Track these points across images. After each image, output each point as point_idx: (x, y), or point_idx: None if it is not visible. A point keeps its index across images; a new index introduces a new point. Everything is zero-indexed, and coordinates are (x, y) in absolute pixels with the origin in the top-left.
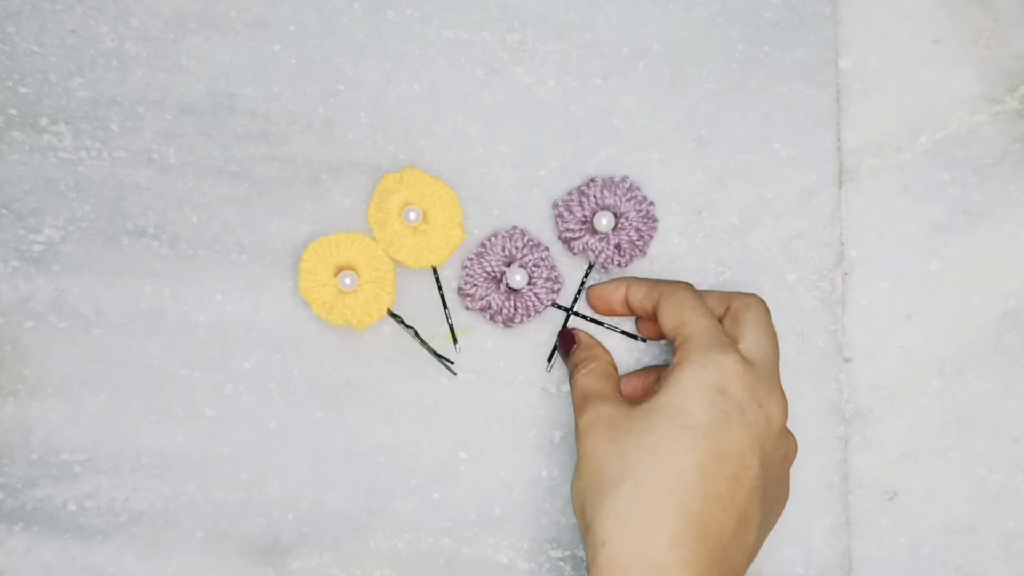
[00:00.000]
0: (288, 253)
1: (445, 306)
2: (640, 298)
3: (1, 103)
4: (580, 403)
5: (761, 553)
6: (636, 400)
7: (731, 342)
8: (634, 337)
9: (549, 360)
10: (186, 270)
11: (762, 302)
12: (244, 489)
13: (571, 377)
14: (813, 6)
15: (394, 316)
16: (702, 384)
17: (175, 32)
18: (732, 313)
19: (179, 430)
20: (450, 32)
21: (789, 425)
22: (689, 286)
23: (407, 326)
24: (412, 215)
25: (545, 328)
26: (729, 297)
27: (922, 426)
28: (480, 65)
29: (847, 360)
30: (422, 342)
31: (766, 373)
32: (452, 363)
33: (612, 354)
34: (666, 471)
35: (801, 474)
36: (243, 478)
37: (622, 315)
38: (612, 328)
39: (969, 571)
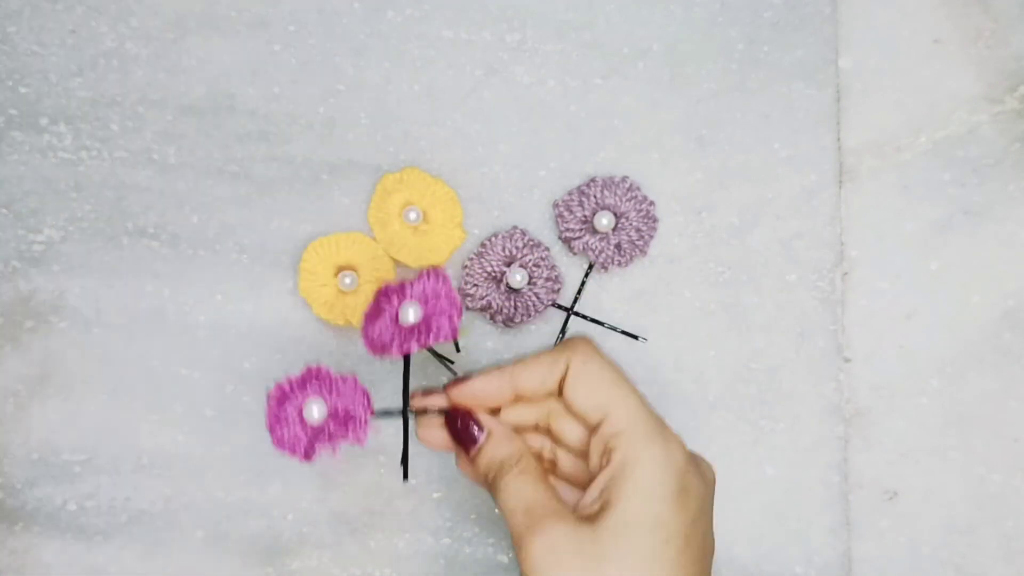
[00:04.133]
0: (288, 253)
1: None
2: (539, 382)
3: (1, 103)
4: (525, 524)
5: (761, 553)
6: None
7: (660, 421)
8: (634, 337)
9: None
10: (186, 270)
11: (591, 346)
12: (244, 489)
13: (493, 484)
14: (813, 6)
15: None
16: (667, 487)
17: (175, 32)
18: (574, 374)
19: (179, 430)
20: (450, 32)
21: (789, 425)
22: (594, 349)
23: None
24: (412, 215)
25: (545, 328)
26: (556, 358)
27: (922, 426)
28: (480, 65)
29: (847, 360)
30: None
31: (667, 429)
32: (452, 363)
33: (612, 355)
34: None
35: (801, 474)
36: (243, 478)
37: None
38: (612, 328)
39: (969, 571)
